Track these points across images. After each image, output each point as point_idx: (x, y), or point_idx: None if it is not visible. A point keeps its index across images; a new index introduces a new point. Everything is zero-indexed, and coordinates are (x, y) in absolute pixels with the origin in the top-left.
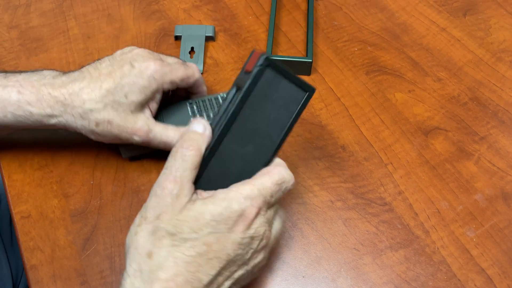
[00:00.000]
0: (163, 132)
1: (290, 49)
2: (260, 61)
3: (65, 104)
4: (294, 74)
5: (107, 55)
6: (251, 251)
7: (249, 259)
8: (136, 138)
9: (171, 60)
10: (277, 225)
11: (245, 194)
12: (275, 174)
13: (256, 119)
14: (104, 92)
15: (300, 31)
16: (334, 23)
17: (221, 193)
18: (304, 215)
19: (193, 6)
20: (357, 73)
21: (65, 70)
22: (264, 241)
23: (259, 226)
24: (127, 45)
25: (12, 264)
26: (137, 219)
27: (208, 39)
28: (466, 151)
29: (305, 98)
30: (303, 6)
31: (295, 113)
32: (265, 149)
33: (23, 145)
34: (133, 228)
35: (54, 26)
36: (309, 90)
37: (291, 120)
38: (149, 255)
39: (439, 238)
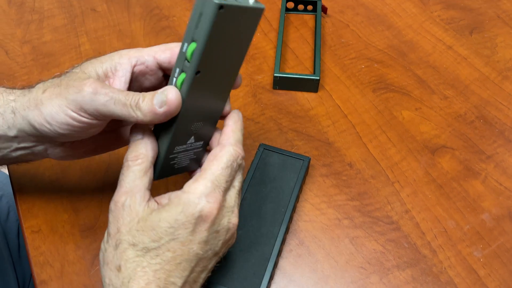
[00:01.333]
0: (121, 92)
1: (297, 66)
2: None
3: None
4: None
5: None
6: (220, 242)
7: (220, 248)
8: (87, 90)
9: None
10: (235, 194)
11: (198, 193)
12: (222, 158)
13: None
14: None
15: (307, 48)
16: (342, 40)
17: (175, 197)
18: (311, 233)
19: None
20: (364, 90)
21: None
22: (232, 228)
23: (222, 219)
24: None
25: (19, 276)
26: (105, 237)
27: None
28: (473, 170)
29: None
30: (311, 23)
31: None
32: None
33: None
34: (102, 245)
35: (66, 41)
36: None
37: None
38: (118, 268)
39: (446, 258)
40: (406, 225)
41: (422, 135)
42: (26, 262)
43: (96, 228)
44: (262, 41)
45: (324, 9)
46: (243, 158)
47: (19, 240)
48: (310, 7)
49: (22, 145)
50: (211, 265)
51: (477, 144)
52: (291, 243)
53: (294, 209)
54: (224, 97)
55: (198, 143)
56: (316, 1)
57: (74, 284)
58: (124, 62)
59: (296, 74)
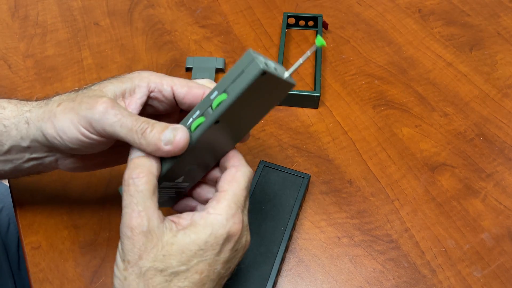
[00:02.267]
0: (133, 116)
1: (298, 82)
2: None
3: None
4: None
5: None
6: (237, 260)
7: (235, 265)
8: (99, 108)
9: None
10: (247, 213)
11: (224, 215)
12: (240, 178)
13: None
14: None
15: (308, 64)
16: (342, 56)
17: (200, 218)
18: (311, 251)
19: (204, 38)
20: (364, 107)
21: None
22: (247, 246)
23: (242, 237)
24: None
25: None
26: (120, 264)
27: (218, 71)
28: (472, 189)
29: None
30: (312, 39)
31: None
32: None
33: (35, 175)
34: (119, 273)
35: (68, 55)
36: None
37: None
38: None
39: (446, 278)
40: (406, 244)
41: (422, 152)
42: (26, 275)
43: (96, 244)
44: None
45: (325, 25)
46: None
47: (19, 253)
48: (311, 23)
49: (34, 155)
50: (224, 281)
51: (477, 162)
52: (291, 262)
53: (293, 227)
54: (228, 148)
55: (184, 184)
56: (317, 17)
57: None
58: (143, 85)
59: (296, 91)
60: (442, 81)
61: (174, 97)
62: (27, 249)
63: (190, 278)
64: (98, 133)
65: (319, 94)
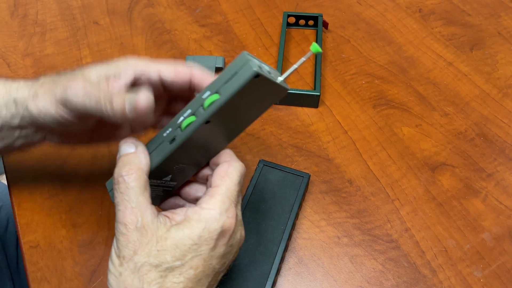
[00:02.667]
0: (100, 89)
1: (298, 81)
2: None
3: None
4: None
5: None
6: (232, 255)
7: (231, 261)
8: (71, 90)
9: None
10: (240, 208)
11: (218, 210)
12: (233, 173)
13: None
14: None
15: (308, 63)
16: (342, 56)
17: (193, 213)
18: (311, 250)
19: (203, 37)
20: (364, 106)
21: None
22: (242, 241)
23: (237, 232)
24: None
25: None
26: (115, 260)
27: (218, 70)
28: (473, 188)
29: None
30: (312, 38)
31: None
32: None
33: (34, 174)
34: (114, 269)
35: (68, 54)
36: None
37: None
38: None
39: (446, 278)
40: (406, 243)
41: (423, 152)
42: (24, 274)
43: (94, 243)
44: (263, 56)
45: (325, 24)
46: (245, 170)
47: (18, 252)
48: (311, 22)
49: (23, 133)
50: (220, 277)
51: (478, 162)
52: (290, 261)
53: (293, 227)
54: (219, 148)
55: (172, 183)
56: (318, 16)
57: None
58: (129, 71)
59: (296, 90)
60: (442, 81)
61: (162, 83)
62: (25, 248)
63: (185, 273)
64: (72, 112)
65: (319, 93)
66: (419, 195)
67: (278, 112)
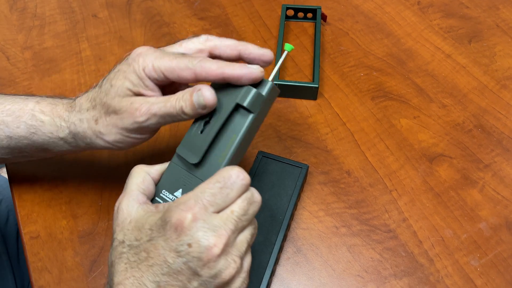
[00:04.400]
0: (166, 102)
1: (296, 73)
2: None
3: (70, 110)
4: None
5: None
6: (196, 260)
7: (201, 269)
8: (141, 119)
9: (172, 49)
10: (246, 235)
11: (177, 202)
12: (215, 175)
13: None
14: (95, 89)
15: (307, 56)
16: (341, 48)
17: (163, 205)
18: (309, 240)
19: (202, 30)
20: (362, 98)
21: (76, 90)
22: (209, 254)
23: (196, 232)
24: None
25: (18, 281)
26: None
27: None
28: (470, 179)
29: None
30: (310, 31)
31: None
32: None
33: (34, 166)
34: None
35: (67, 47)
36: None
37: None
38: (111, 264)
39: (443, 267)
40: (404, 233)
41: (420, 143)
42: (25, 267)
43: (94, 234)
44: None
45: (324, 17)
46: (244, 180)
47: (18, 245)
48: (310, 15)
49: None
50: (192, 285)
51: (475, 153)
52: (289, 251)
53: (292, 217)
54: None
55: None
56: (316, 9)
57: None
58: (144, 73)
59: (295, 82)
60: (440, 73)
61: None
62: (26, 238)
63: (139, 254)
64: (145, 132)
65: (317, 86)
66: (416, 186)
67: (277, 104)
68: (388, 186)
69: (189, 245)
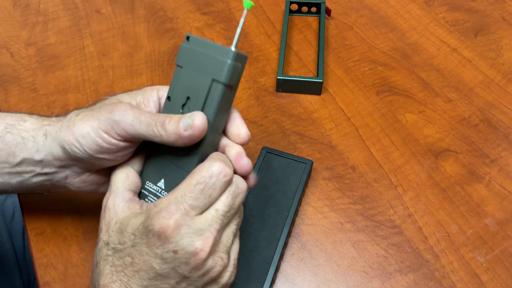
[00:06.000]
0: (150, 114)
1: (301, 68)
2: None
3: (58, 119)
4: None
5: (122, 73)
6: (183, 265)
7: (189, 272)
8: (115, 116)
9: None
10: (229, 234)
11: (159, 207)
12: (195, 173)
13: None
14: (95, 106)
15: (311, 50)
16: (345, 43)
17: (148, 206)
18: (314, 236)
19: (206, 25)
20: (367, 93)
21: (80, 87)
22: (201, 255)
23: (181, 239)
24: (141, 63)
25: (24, 277)
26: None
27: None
28: (476, 174)
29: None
30: (315, 25)
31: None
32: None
33: None
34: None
35: (70, 43)
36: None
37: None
38: (96, 264)
39: (449, 263)
40: (409, 229)
41: (426, 138)
42: (31, 263)
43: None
44: (266, 44)
45: (328, 11)
46: (228, 175)
47: (24, 241)
48: (314, 9)
49: (45, 170)
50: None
51: (481, 148)
52: (293, 247)
53: (296, 213)
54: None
55: (164, 193)
56: (320, 3)
57: (77, 286)
58: (154, 96)
59: (299, 77)
60: (446, 67)
61: None
62: (31, 235)
63: (124, 258)
64: (119, 135)
65: (322, 81)
66: (422, 181)
67: (281, 100)
68: (393, 182)
69: (175, 251)
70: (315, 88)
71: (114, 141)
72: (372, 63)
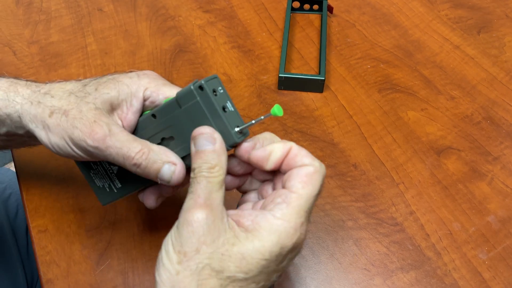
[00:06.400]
0: (127, 144)
1: (303, 66)
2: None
3: (35, 89)
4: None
5: (124, 71)
6: (290, 253)
7: (290, 254)
8: (89, 142)
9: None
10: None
11: (293, 224)
12: (317, 182)
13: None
14: (78, 84)
15: (313, 48)
16: (348, 40)
17: (265, 222)
18: (316, 234)
19: (208, 23)
20: (369, 90)
21: None
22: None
23: (303, 246)
24: (143, 61)
25: (28, 274)
26: (173, 256)
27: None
28: (479, 172)
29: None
30: (317, 23)
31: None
32: None
33: (42, 160)
34: (171, 266)
35: (73, 42)
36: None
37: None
38: None
39: (451, 260)
40: (411, 227)
41: (428, 136)
42: (34, 259)
43: (101, 228)
44: (268, 41)
45: (330, 9)
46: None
47: (28, 238)
48: (316, 7)
49: (30, 140)
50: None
51: (484, 145)
52: None
53: None
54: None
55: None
56: (322, 1)
57: (80, 284)
58: (139, 95)
59: (301, 75)
60: (449, 64)
61: None
62: (34, 232)
63: (245, 287)
64: (92, 157)
65: (324, 78)
66: (424, 179)
67: (282, 97)
68: (395, 179)
69: (293, 259)
70: (317, 86)
71: (88, 158)
72: (375, 61)
